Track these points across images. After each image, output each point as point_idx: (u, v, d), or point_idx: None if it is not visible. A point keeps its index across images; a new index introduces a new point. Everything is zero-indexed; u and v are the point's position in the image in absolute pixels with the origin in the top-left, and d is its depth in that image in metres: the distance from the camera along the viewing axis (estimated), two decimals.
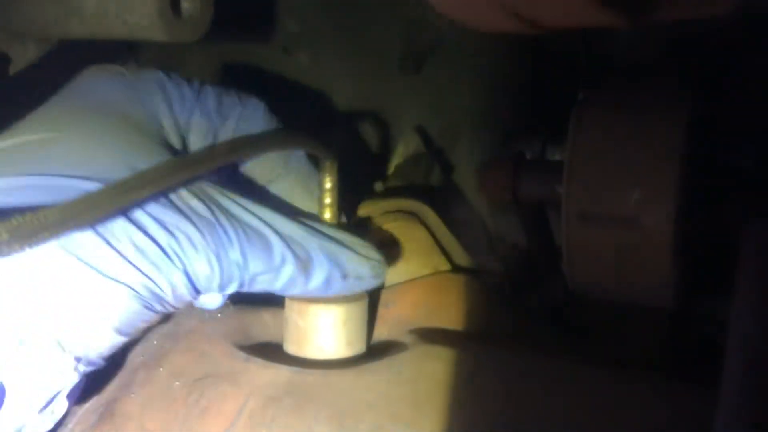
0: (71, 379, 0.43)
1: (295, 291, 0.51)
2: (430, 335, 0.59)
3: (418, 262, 0.68)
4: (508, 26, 0.32)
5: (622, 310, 0.68)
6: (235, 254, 0.46)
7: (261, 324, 0.60)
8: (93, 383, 0.53)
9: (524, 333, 0.62)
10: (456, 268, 0.71)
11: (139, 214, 0.43)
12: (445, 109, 0.87)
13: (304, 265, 0.50)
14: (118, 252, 0.41)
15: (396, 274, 0.67)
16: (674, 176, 0.48)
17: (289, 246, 0.49)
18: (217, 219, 0.46)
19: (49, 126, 0.47)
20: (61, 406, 0.44)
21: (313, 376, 0.52)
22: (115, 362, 0.55)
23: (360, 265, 0.53)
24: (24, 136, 0.46)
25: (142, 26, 0.56)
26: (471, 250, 0.82)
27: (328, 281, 0.51)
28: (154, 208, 0.43)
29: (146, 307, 0.43)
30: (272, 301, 0.61)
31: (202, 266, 0.44)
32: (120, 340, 0.44)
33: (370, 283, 0.55)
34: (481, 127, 0.87)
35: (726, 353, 0.45)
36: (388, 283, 0.67)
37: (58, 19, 0.60)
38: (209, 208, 0.46)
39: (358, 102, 0.87)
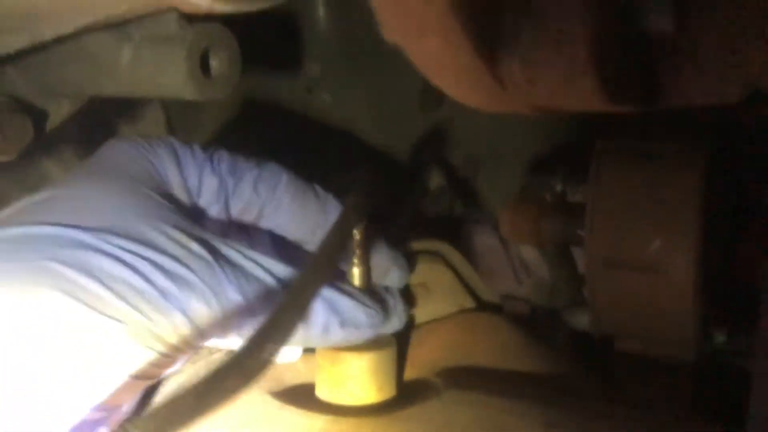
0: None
1: (296, 337, 0.50)
2: (459, 377, 0.60)
3: (443, 301, 0.69)
4: (520, 110, 0.34)
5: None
6: (234, 296, 0.47)
7: (293, 370, 0.61)
8: None
9: (553, 371, 0.63)
10: (481, 306, 0.72)
11: (136, 259, 0.44)
12: (466, 142, 0.88)
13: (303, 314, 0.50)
14: (116, 294, 0.43)
15: (423, 314, 0.69)
16: (694, 223, 0.49)
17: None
18: (216, 261, 0.47)
19: (57, 186, 0.50)
20: None
21: (346, 424, 0.53)
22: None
23: (357, 313, 0.54)
24: (33, 198, 0.49)
25: (173, 86, 0.58)
26: (496, 279, 0.84)
27: (326, 328, 0.52)
28: (152, 253, 0.45)
29: (150, 348, 0.45)
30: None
31: (200, 308, 0.46)
32: (134, 384, 0.46)
33: (367, 333, 0.55)
34: (502, 157, 0.88)
35: (752, 390, 0.46)
36: (417, 322, 0.69)
37: (92, 80, 0.62)
38: (208, 251, 0.47)
39: (380, 139, 0.89)
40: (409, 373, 0.63)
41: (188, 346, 0.47)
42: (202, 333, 0.47)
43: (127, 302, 0.43)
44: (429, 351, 0.65)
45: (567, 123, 0.82)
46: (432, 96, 0.87)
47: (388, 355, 0.57)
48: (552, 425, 0.51)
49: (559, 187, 0.65)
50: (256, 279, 0.49)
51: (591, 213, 0.52)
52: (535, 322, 0.83)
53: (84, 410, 0.44)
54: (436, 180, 0.86)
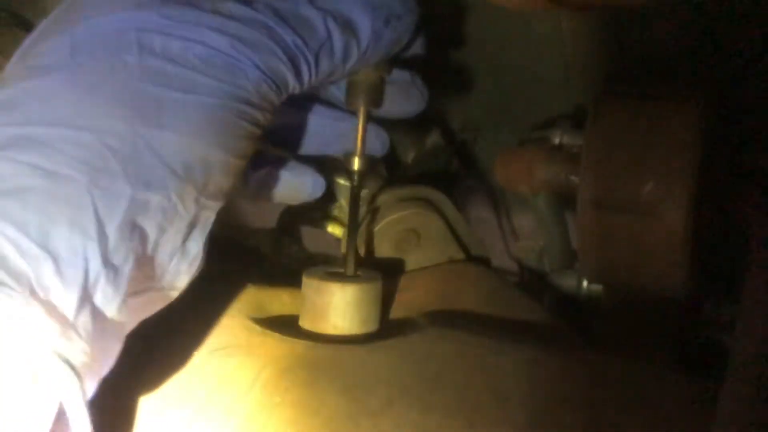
0: (196, 212, 0.45)
1: (354, 59, 0.52)
2: (442, 318, 0.60)
3: (433, 250, 0.69)
4: (531, 1, 0.34)
5: (631, 315, 0.68)
6: (290, 37, 0.47)
7: (279, 302, 0.61)
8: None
9: (538, 322, 0.62)
10: (471, 258, 0.72)
11: (192, 30, 0.44)
12: (467, 105, 0.88)
13: (349, 28, 0.50)
14: (187, 67, 0.43)
15: (411, 260, 0.69)
16: (688, 167, 0.49)
17: (327, 15, 0.49)
18: (258, 12, 0.47)
19: None
20: (195, 245, 0.47)
21: (326, 350, 0.53)
22: (133, 333, 0.57)
23: (391, 4, 0.52)
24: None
25: None
26: (486, 248, 0.83)
27: (376, 34, 0.51)
28: (201, 17, 0.45)
29: (238, 115, 0.45)
30: (290, 282, 0.63)
31: (269, 58, 0.46)
32: (231, 161, 0.46)
33: (409, 19, 0.54)
34: (501, 124, 0.88)
35: (733, 355, 0.46)
36: (406, 268, 0.68)
37: None
38: (243, 5, 0.47)
39: None
40: (394, 314, 0.62)
41: (271, 104, 0.48)
42: (280, 89, 0.47)
43: (201, 72, 0.43)
44: (415, 296, 0.65)
45: (568, 92, 0.82)
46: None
47: (373, 288, 0.57)
48: (534, 363, 0.51)
49: (557, 140, 0.65)
50: (293, 15, 0.48)
51: (586, 153, 0.52)
52: (523, 286, 0.84)
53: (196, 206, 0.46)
54: (433, 138, 0.86)
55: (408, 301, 0.64)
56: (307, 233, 0.98)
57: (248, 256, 0.71)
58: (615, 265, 0.53)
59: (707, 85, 0.54)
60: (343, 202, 0.89)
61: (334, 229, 0.78)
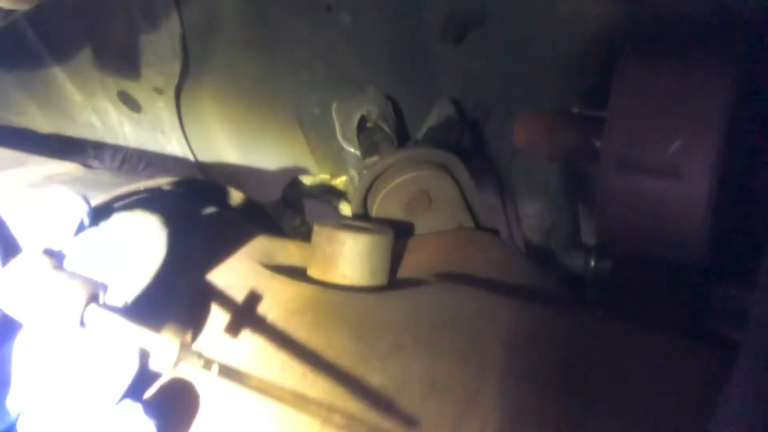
0: None
1: None
2: (451, 280, 0.59)
3: (444, 215, 0.68)
4: None
5: (639, 294, 0.67)
6: None
7: (286, 252, 0.60)
8: None
9: (546, 289, 0.61)
10: (480, 228, 0.71)
11: None
12: (481, 84, 0.87)
13: None
14: None
15: (420, 225, 0.68)
16: (717, 127, 0.48)
17: None
18: None
19: None
20: None
21: (336, 295, 0.52)
22: None
23: None
24: None
25: None
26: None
27: None
28: None
29: None
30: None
31: None
32: None
33: None
34: (514, 106, 0.87)
35: (746, 334, 0.45)
36: (415, 232, 0.67)
37: None
38: None
39: (396, 64, 0.88)
40: (402, 275, 0.61)
41: None
42: None
43: None
44: (424, 258, 0.64)
45: (585, 78, 0.81)
46: (454, 30, 0.85)
47: (385, 240, 0.56)
48: (543, 322, 0.50)
49: (576, 110, 0.64)
50: None
51: (611, 111, 0.51)
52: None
53: None
54: (446, 112, 0.85)
55: (416, 262, 0.63)
56: (311, 206, 0.97)
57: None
58: (635, 228, 0.52)
59: (739, 44, 0.53)
60: (352, 172, 0.89)
61: (339, 203, 0.77)
